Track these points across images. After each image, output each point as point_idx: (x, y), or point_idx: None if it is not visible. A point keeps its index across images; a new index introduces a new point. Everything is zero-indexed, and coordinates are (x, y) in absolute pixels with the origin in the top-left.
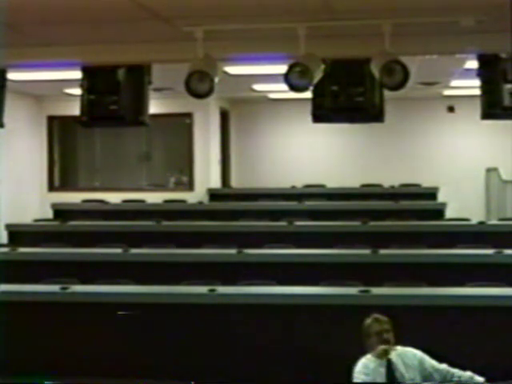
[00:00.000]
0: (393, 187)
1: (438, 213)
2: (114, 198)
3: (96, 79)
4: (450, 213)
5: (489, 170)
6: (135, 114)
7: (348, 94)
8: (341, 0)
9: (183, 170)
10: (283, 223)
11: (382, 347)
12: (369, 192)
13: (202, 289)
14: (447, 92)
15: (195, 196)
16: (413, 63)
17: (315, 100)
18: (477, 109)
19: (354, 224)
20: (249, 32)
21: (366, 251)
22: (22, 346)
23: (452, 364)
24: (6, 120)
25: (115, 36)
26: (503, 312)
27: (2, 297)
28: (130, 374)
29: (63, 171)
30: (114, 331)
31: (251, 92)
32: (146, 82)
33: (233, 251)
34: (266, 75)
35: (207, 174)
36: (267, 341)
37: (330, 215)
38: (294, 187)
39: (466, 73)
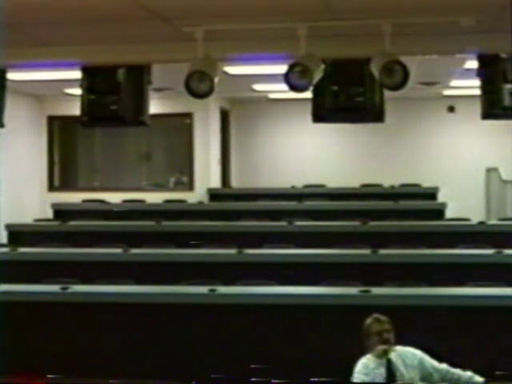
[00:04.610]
0: (393, 187)
1: (438, 213)
2: (114, 198)
3: (96, 79)
4: (450, 213)
5: (489, 170)
6: (135, 113)
7: (348, 94)
8: (341, 0)
9: (183, 170)
10: (283, 223)
11: (382, 347)
12: (369, 192)
13: (202, 289)
14: (447, 92)
15: (195, 196)
16: (413, 63)
17: (315, 100)
18: (477, 109)
19: (353, 224)
20: (249, 32)
21: (366, 251)
22: (22, 346)
23: (452, 364)
24: (5, 120)
25: (115, 36)
26: (503, 312)
27: (2, 297)
28: (130, 373)
29: (63, 171)
30: (114, 331)
31: (251, 92)
32: (146, 81)
33: (233, 251)
34: (266, 75)
35: (207, 174)
36: (267, 341)
37: (330, 215)
38: (293, 187)
39: (466, 73)
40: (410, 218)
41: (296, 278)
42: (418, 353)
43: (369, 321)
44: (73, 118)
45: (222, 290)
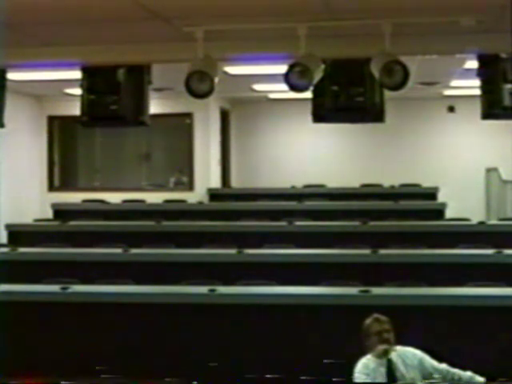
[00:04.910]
0: (393, 187)
1: (438, 213)
2: (114, 198)
3: (96, 79)
4: (450, 213)
5: (489, 170)
6: (135, 113)
7: (348, 93)
8: (341, 0)
9: (183, 170)
10: (283, 223)
11: (383, 347)
12: (369, 192)
13: (202, 289)
14: (447, 92)
15: (195, 196)
16: (413, 63)
17: (315, 100)
18: (477, 109)
19: (353, 224)
20: (249, 32)
21: (366, 251)
22: (22, 346)
23: (452, 364)
24: (6, 120)
25: (115, 36)
26: (503, 312)
27: (2, 297)
28: (130, 373)
29: (63, 171)
30: (114, 331)
31: (251, 92)
32: (146, 81)
33: (233, 251)
34: (266, 75)
35: (207, 174)
36: (267, 341)
37: (330, 215)
38: (294, 187)
39: (466, 73)
40: (410, 218)
41: (296, 278)
42: (418, 353)
43: (368, 321)
44: (73, 118)
45: (222, 289)
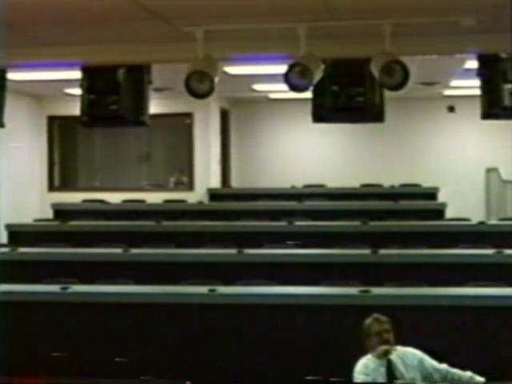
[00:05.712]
0: (393, 187)
1: (438, 213)
2: (114, 198)
3: (96, 79)
4: (450, 213)
5: (489, 170)
6: (135, 113)
7: (348, 94)
8: (341, 0)
9: (183, 170)
10: (283, 223)
11: (384, 348)
12: (369, 192)
13: (202, 289)
14: (447, 92)
15: (195, 196)
16: (413, 63)
17: (315, 100)
18: (477, 109)
19: (353, 224)
20: (249, 32)
21: (366, 251)
22: (22, 346)
23: (452, 364)
24: (6, 120)
25: (115, 36)
26: (503, 312)
27: (2, 297)
28: (130, 373)
29: (63, 171)
30: (114, 331)
31: (251, 92)
32: (146, 81)
33: (233, 251)
34: (266, 75)
35: (207, 174)
36: (267, 341)
37: (330, 215)
38: (294, 187)
39: (466, 73)
40: (410, 218)
41: (296, 278)
42: (418, 353)
43: (368, 321)
44: (73, 118)
45: (222, 289)
